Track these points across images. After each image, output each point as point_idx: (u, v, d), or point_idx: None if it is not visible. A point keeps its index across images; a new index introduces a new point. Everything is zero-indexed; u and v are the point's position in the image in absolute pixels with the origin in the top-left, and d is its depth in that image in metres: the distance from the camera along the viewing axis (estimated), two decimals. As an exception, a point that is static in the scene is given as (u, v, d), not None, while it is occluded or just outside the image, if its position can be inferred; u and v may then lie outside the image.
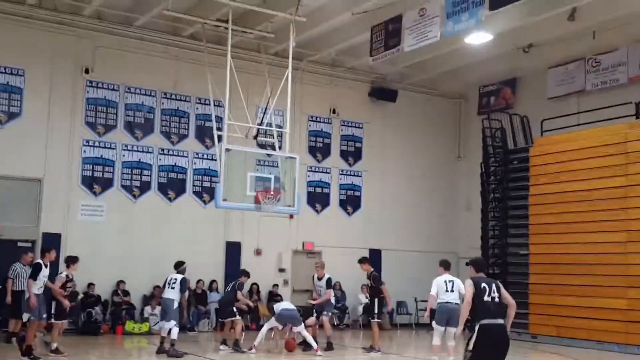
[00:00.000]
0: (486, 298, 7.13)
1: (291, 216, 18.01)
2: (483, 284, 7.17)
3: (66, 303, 11.37)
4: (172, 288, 12.15)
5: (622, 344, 14.59)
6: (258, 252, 18.23)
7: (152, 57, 17.15)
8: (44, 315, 11.16)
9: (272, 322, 12.96)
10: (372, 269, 13.59)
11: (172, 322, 11.98)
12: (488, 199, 19.17)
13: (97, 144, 16.44)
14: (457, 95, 21.76)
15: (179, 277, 12.26)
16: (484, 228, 19.17)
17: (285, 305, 13.28)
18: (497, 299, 7.22)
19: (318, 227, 19.16)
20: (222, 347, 13.09)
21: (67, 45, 16.18)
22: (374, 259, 19.73)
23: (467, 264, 7.49)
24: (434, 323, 11.15)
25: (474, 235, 19.60)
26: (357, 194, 20.17)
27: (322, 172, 19.67)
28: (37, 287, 11.01)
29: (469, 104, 21.57)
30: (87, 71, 16.32)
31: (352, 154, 20.19)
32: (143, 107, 17.10)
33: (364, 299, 18.91)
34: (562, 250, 16.24)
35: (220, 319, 14.49)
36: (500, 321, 7.19)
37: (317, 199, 19.46)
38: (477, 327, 7.08)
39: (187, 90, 17.54)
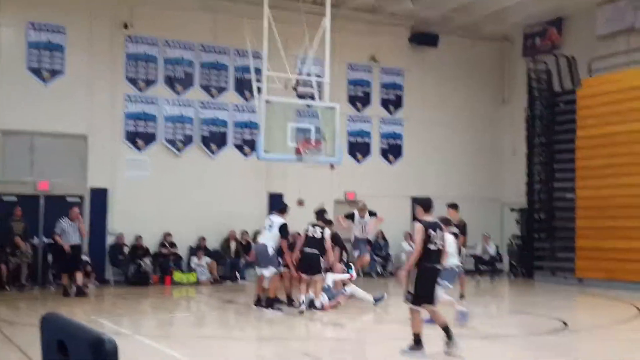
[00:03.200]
0: (432, 247, 7.48)
1: (332, 166, 17.96)
2: (431, 231, 7.47)
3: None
4: (269, 231, 11.35)
5: (673, 287, 14.34)
6: (300, 203, 18.32)
7: (189, 10, 17.06)
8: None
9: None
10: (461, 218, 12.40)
11: (271, 269, 11.17)
12: (533, 144, 18.82)
13: (138, 99, 16.59)
14: (501, 38, 21.14)
15: (279, 221, 11.37)
16: (529, 173, 18.89)
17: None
18: (440, 247, 7.59)
19: (359, 177, 19.12)
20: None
21: (105, 0, 16.22)
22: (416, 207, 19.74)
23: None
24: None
25: (519, 180, 19.34)
26: (398, 142, 19.99)
27: (363, 121, 19.51)
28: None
29: (513, 46, 20.94)
30: (125, 26, 16.38)
31: (393, 102, 19.93)
32: (182, 61, 17.13)
33: (407, 246, 18.95)
34: (610, 193, 15.90)
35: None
36: (439, 266, 7.65)
37: (358, 148, 19.37)
38: (417, 269, 7.45)
39: (225, 43, 17.46)
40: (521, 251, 19.02)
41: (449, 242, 9.92)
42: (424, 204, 7.80)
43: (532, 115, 18.87)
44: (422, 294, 7.46)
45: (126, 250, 15.97)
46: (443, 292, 10.23)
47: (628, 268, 15.28)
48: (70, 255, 13.43)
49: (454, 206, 12.35)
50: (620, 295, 13.98)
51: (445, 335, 7.45)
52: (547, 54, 19.15)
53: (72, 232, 13.50)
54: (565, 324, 10.04)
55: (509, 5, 18.54)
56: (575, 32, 18.89)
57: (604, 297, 13.99)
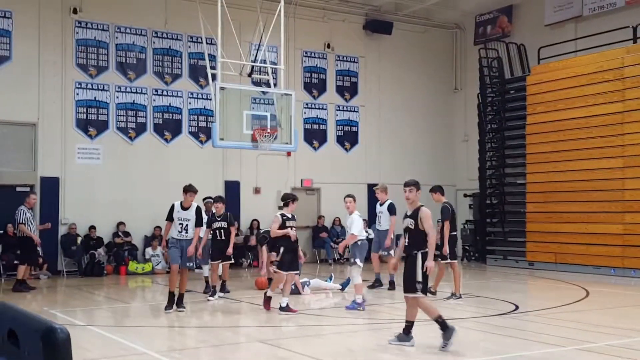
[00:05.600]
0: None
1: (289, 154, 17.99)
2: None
3: None
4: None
5: (619, 267, 14.86)
6: (257, 191, 18.32)
7: (141, -5, 16.78)
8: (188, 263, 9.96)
9: None
10: (446, 200, 11.44)
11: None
12: (485, 130, 19.18)
13: (89, 86, 16.27)
14: (453, 26, 21.42)
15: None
16: (481, 159, 19.26)
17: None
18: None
19: (316, 164, 19.20)
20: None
21: (53, -15, 15.81)
22: (372, 193, 19.91)
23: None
24: (357, 260, 10.34)
25: (472, 166, 19.71)
26: (354, 129, 20.11)
27: (319, 108, 19.56)
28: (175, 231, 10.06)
29: (465, 34, 21.26)
30: (75, 11, 16.01)
31: (348, 89, 20.03)
32: (134, 47, 16.84)
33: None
34: (559, 178, 16.34)
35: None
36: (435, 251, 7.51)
37: (314, 135, 19.42)
38: (420, 255, 7.17)
39: (178, 29, 17.25)
40: (474, 236, 19.41)
41: (353, 219, 10.32)
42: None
43: (483, 102, 19.22)
44: (425, 281, 7.16)
45: (79, 240, 15.70)
46: (358, 273, 10.18)
47: (575, 251, 15.78)
48: (34, 247, 12.81)
49: (437, 189, 11.48)
50: (568, 277, 14.43)
51: (440, 326, 7.09)
52: (498, 41, 19.51)
53: (33, 221, 12.98)
54: (516, 306, 10.32)
55: (461, -7, 18.80)
56: (525, 20, 19.29)
57: (553, 280, 14.40)
